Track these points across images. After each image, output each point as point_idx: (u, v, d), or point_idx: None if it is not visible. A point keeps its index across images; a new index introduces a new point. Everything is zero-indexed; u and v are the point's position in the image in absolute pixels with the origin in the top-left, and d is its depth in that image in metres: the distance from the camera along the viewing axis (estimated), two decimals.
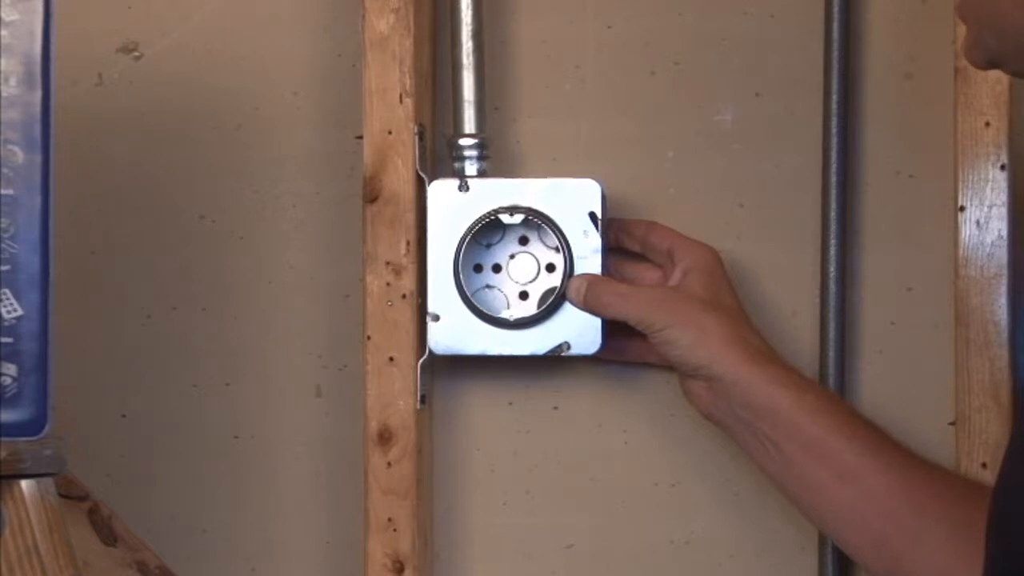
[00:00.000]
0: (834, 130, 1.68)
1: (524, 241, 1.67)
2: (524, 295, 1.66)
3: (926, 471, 1.59)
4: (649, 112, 1.72)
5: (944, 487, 1.53)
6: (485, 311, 1.65)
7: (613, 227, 1.67)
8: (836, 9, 1.68)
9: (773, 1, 1.70)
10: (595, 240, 1.64)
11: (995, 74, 1.56)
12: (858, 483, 1.58)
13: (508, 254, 1.67)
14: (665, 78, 1.71)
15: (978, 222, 1.61)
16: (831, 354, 1.68)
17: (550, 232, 1.64)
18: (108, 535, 1.70)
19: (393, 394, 1.66)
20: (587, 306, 1.64)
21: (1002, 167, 1.56)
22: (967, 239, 1.61)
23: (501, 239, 1.67)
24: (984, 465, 1.59)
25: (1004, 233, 1.59)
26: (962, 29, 1.35)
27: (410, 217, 1.66)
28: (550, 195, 1.65)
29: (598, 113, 1.72)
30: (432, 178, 1.66)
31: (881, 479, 1.58)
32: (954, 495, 1.44)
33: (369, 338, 1.66)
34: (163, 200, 1.76)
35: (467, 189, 1.65)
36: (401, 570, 1.65)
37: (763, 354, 1.63)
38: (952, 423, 1.61)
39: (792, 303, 1.70)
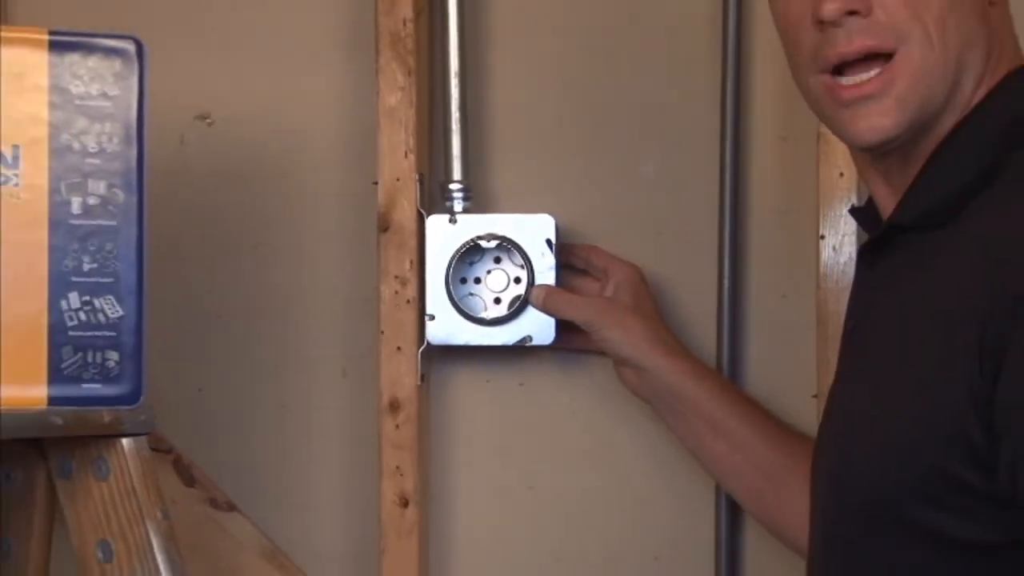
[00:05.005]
0: (728, 178, 1.68)
1: (498, 260, 1.67)
2: (498, 300, 1.67)
3: (792, 439, 1.60)
4: (591, 163, 1.72)
5: (803, 450, 1.52)
6: (469, 312, 1.65)
7: (564, 250, 1.67)
8: (729, 85, 1.68)
9: (684, 79, 1.70)
10: (550, 260, 1.64)
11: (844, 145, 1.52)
12: (744, 451, 1.60)
13: (486, 270, 1.67)
14: (603, 137, 1.72)
15: (834, 247, 1.61)
16: (725, 344, 1.68)
17: (517, 254, 1.65)
18: (188, 479, 1.70)
19: (400, 374, 1.65)
20: (545, 309, 1.64)
21: (852, 210, 1.52)
22: (826, 260, 1.61)
23: (480, 259, 1.67)
24: None
25: (853, 255, 1.57)
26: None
27: (413, 243, 1.65)
28: (517, 226, 1.65)
29: (553, 164, 1.72)
30: (429, 213, 1.66)
31: (761, 447, 1.59)
32: (808, 455, 1.43)
33: (382, 332, 1.65)
34: (228, 231, 1.76)
35: (455, 222, 1.66)
36: (406, 504, 1.66)
37: (675, 349, 1.63)
38: (815, 396, 1.62)
39: (697, 306, 1.70)
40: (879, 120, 1.27)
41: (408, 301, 1.66)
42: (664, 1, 1.71)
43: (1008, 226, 1.21)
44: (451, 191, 1.67)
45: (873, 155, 1.33)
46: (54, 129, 1.30)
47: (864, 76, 1.28)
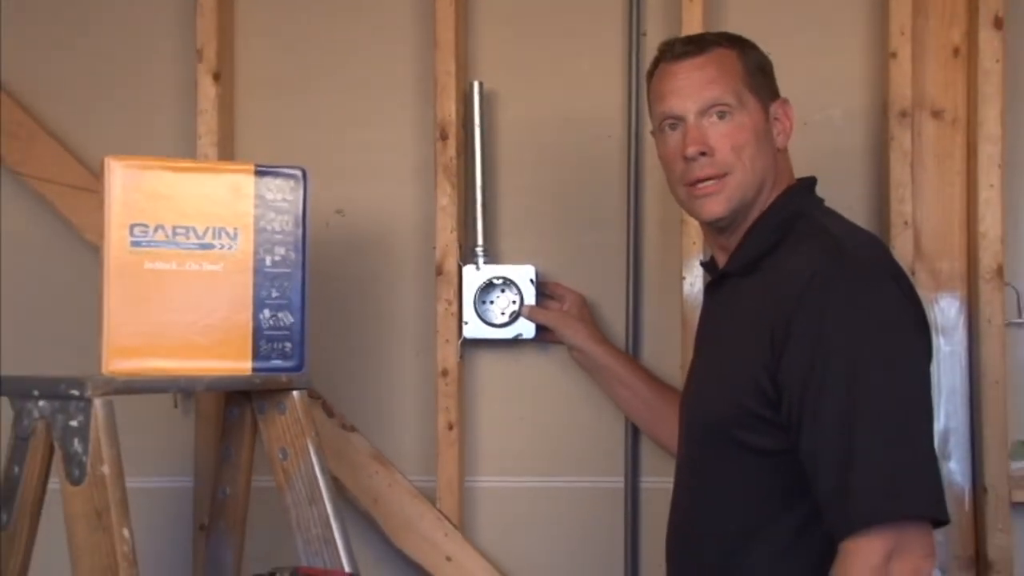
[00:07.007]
0: (631, 245, 1.66)
1: (503, 290, 1.65)
2: (503, 313, 1.64)
3: (666, 389, 1.60)
4: (555, 236, 1.69)
5: (672, 395, 1.53)
6: (487, 320, 1.64)
7: (540, 284, 1.65)
8: (632, 191, 1.65)
9: (605, 191, 1.66)
10: (532, 290, 1.64)
11: (697, 228, 1.53)
12: (639, 395, 1.59)
13: (496, 295, 1.65)
14: (562, 222, 1.69)
15: (691, 284, 1.61)
16: (631, 336, 1.66)
17: (513, 287, 1.64)
18: (329, 413, 1.70)
19: (448, 355, 1.64)
20: (529, 319, 1.64)
21: (701, 263, 1.52)
22: (687, 291, 1.61)
23: (493, 289, 1.65)
24: None
25: (701, 289, 1.57)
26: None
27: (455, 281, 1.64)
28: (514, 272, 1.64)
29: (534, 237, 1.69)
30: (464, 264, 1.65)
31: (649, 393, 1.59)
32: (675, 397, 1.44)
33: (438, 331, 1.65)
34: (354, 276, 1.71)
35: (479, 269, 1.65)
36: (451, 428, 1.62)
37: (603, 340, 1.62)
38: (681, 367, 1.59)
39: (614, 315, 1.67)
40: (715, 207, 1.29)
41: (452, 314, 1.65)
42: (592, 149, 1.68)
43: (784, 272, 1.24)
44: (476, 252, 1.66)
45: (713, 229, 1.34)
46: (256, 219, 1.31)
47: (708, 184, 1.29)
